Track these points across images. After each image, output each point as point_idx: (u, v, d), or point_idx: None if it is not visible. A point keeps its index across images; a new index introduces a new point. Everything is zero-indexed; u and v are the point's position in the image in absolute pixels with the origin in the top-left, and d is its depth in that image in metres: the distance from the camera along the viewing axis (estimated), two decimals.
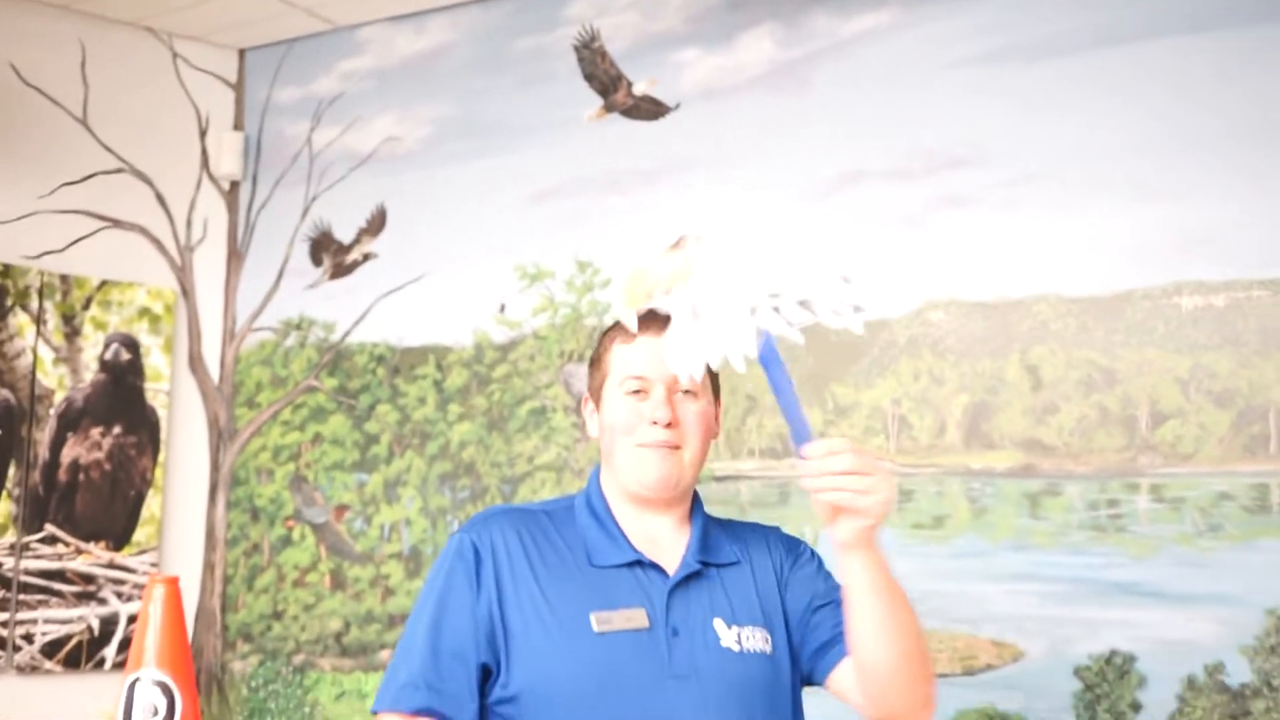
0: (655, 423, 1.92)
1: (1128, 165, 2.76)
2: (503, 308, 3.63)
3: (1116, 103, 2.78)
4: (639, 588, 1.93)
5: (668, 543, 1.98)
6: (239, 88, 4.23)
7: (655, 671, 1.87)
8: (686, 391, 1.94)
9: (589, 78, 3.54)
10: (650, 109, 3.42)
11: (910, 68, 3.04)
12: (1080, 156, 2.81)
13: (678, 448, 1.94)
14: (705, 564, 1.97)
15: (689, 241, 1.76)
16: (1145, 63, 2.77)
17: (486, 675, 1.94)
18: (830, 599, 1.96)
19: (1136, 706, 2.66)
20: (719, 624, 1.91)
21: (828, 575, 1.99)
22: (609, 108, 3.49)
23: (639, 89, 3.44)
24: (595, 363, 2.03)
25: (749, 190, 1.77)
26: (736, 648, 1.90)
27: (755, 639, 1.92)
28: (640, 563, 1.95)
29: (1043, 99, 2.87)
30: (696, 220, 1.77)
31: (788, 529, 2.09)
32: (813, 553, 2.05)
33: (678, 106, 3.39)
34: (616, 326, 2.01)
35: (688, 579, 1.94)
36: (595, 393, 2.02)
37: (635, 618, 1.89)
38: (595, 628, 1.88)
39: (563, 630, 1.88)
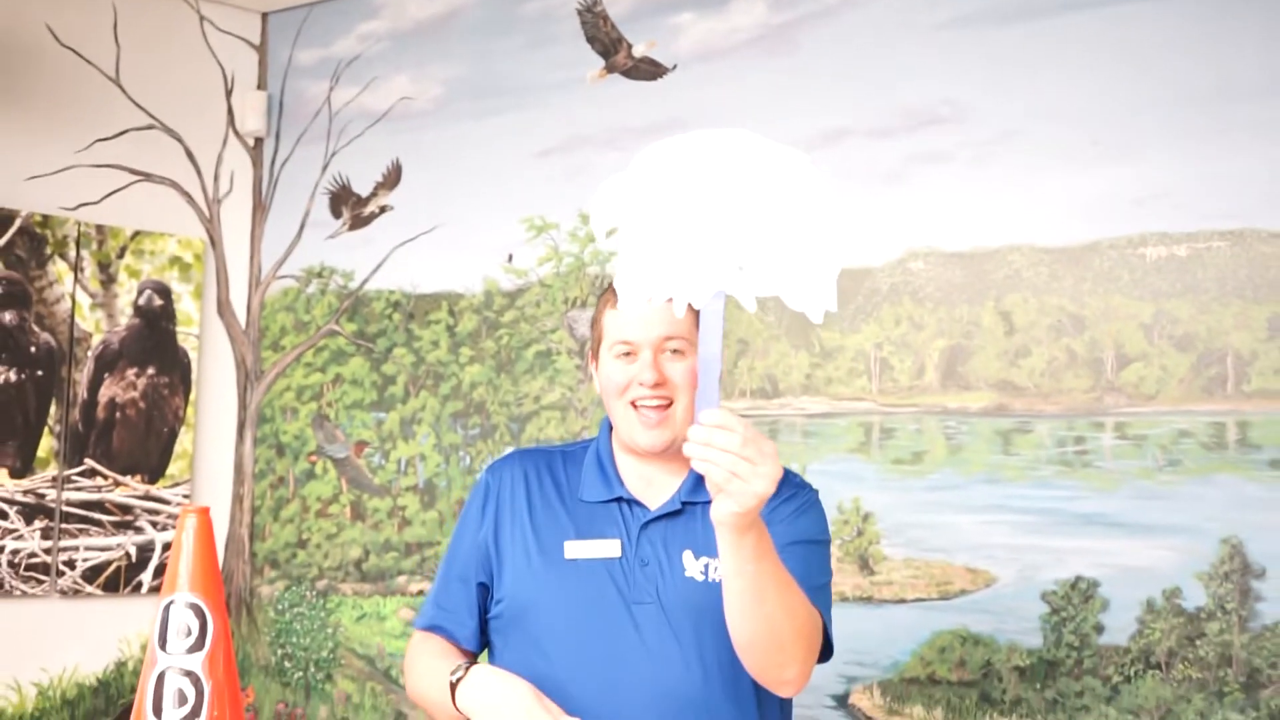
0: (643, 384, 1.94)
1: (1097, 123, 2.76)
2: (510, 257, 3.64)
3: (1086, 64, 2.78)
4: (619, 521, 1.98)
5: (661, 482, 2.02)
6: (262, 49, 4.22)
7: (618, 597, 1.92)
8: (675, 350, 1.94)
9: (591, 40, 3.53)
10: (649, 70, 3.42)
11: (892, 31, 3.03)
12: (1051, 115, 2.81)
13: (669, 404, 1.95)
14: (687, 503, 1.99)
15: (692, 171, 1.67)
16: (1113, 27, 2.75)
17: (489, 595, 2.04)
18: (795, 540, 1.96)
19: (1099, 628, 2.69)
20: (687, 556, 1.94)
21: (799, 517, 1.97)
22: (610, 69, 3.49)
23: (638, 51, 3.43)
24: (593, 325, 2.06)
25: (773, 142, 1.69)
26: (701, 578, 1.93)
27: None
28: (623, 499, 1.99)
29: (1016, 61, 2.86)
30: (707, 153, 1.68)
31: None
32: (797, 492, 2.01)
33: (674, 68, 3.38)
34: (609, 292, 2.02)
35: (665, 516, 1.98)
36: (594, 352, 2.05)
37: (609, 548, 1.95)
38: (566, 554, 1.95)
39: (541, 555, 1.96)
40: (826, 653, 1.94)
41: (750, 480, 1.62)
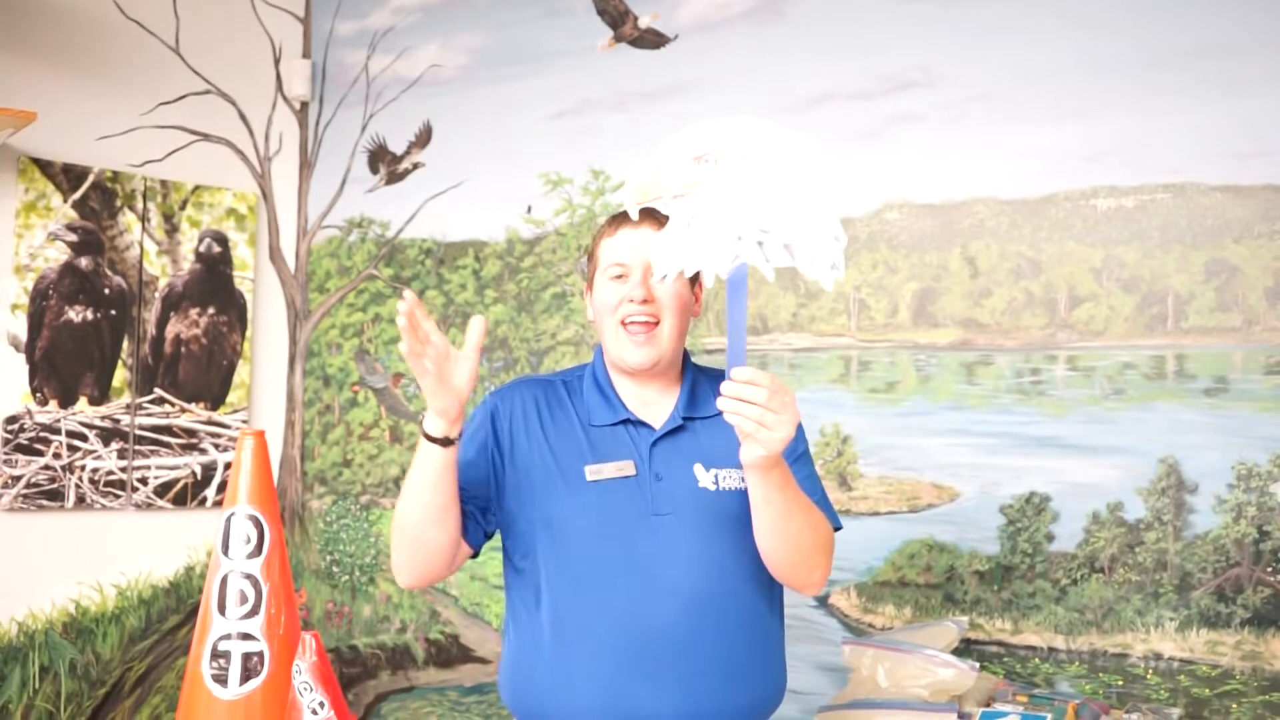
0: (633, 300, 1.93)
1: (1054, 86, 2.74)
2: (529, 208, 3.63)
3: (1045, 32, 2.75)
4: (629, 442, 1.96)
5: (658, 403, 2.01)
6: (307, 21, 4.19)
7: (640, 510, 1.91)
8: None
9: (601, 13, 3.50)
10: (653, 40, 3.39)
11: (871, 4, 2.99)
12: (1014, 79, 2.78)
13: (656, 322, 1.94)
14: (688, 419, 1.99)
15: (710, 158, 1.68)
16: None
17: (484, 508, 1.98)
18: (797, 455, 1.97)
19: (1050, 537, 2.70)
20: (698, 468, 1.94)
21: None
22: (618, 38, 3.46)
23: (643, 22, 3.40)
24: (589, 258, 2.04)
25: (780, 126, 1.69)
26: (713, 487, 1.93)
27: (732, 479, 1.94)
28: (629, 421, 1.98)
29: (982, 29, 2.83)
30: (722, 140, 1.69)
31: None
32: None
33: (676, 37, 3.35)
34: (604, 224, 2.02)
35: (671, 432, 1.97)
36: (590, 282, 2.04)
37: (624, 467, 1.93)
38: (588, 477, 1.93)
39: (564, 479, 1.93)
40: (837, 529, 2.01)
41: (775, 428, 1.65)
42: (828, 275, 1.65)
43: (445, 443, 1.80)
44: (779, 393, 1.66)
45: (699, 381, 2.05)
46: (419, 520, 1.87)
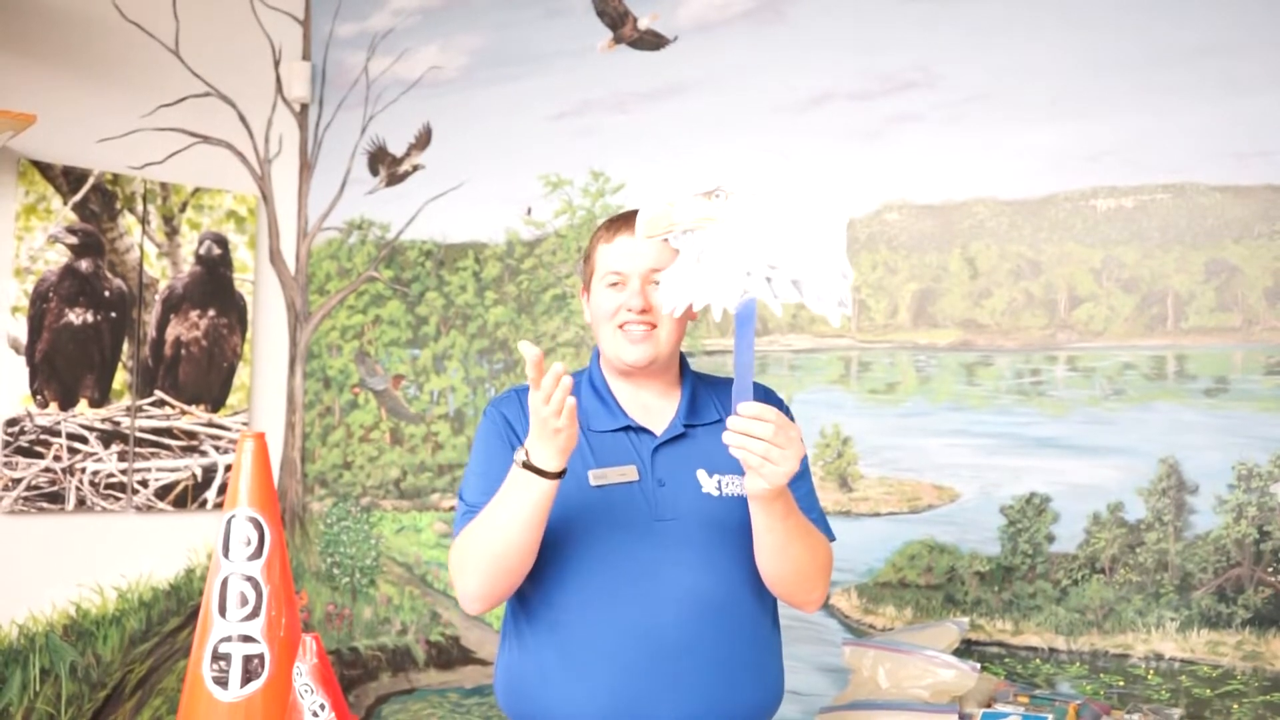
0: (630, 310, 1.93)
1: (1054, 86, 2.73)
2: (529, 210, 3.63)
3: (1045, 31, 2.75)
4: (631, 448, 1.96)
5: (658, 408, 2.01)
6: (306, 23, 4.19)
7: (644, 515, 1.91)
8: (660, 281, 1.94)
9: (601, 14, 3.50)
10: (652, 41, 3.39)
11: (870, 3, 2.99)
12: (1013, 80, 2.78)
13: (654, 327, 1.94)
14: (690, 426, 1.99)
15: (720, 193, 1.69)
16: None
17: None
18: (800, 474, 1.97)
19: (1051, 538, 2.70)
20: (701, 474, 1.94)
21: None
22: (617, 40, 3.46)
23: (643, 23, 3.40)
24: (585, 259, 2.03)
25: (790, 161, 1.71)
26: (716, 493, 1.93)
27: (734, 485, 1.93)
28: (631, 427, 1.97)
29: (982, 29, 2.83)
30: (733, 176, 1.70)
31: None
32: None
33: (675, 39, 3.35)
34: (601, 228, 2.02)
35: (673, 439, 1.97)
36: (586, 285, 2.03)
37: (627, 473, 1.93)
38: (592, 482, 1.92)
39: (567, 484, 1.89)
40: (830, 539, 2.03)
41: (780, 463, 1.68)
42: (835, 312, 1.68)
43: (560, 475, 1.78)
44: (785, 428, 1.67)
45: (699, 389, 2.05)
46: (516, 553, 1.83)
